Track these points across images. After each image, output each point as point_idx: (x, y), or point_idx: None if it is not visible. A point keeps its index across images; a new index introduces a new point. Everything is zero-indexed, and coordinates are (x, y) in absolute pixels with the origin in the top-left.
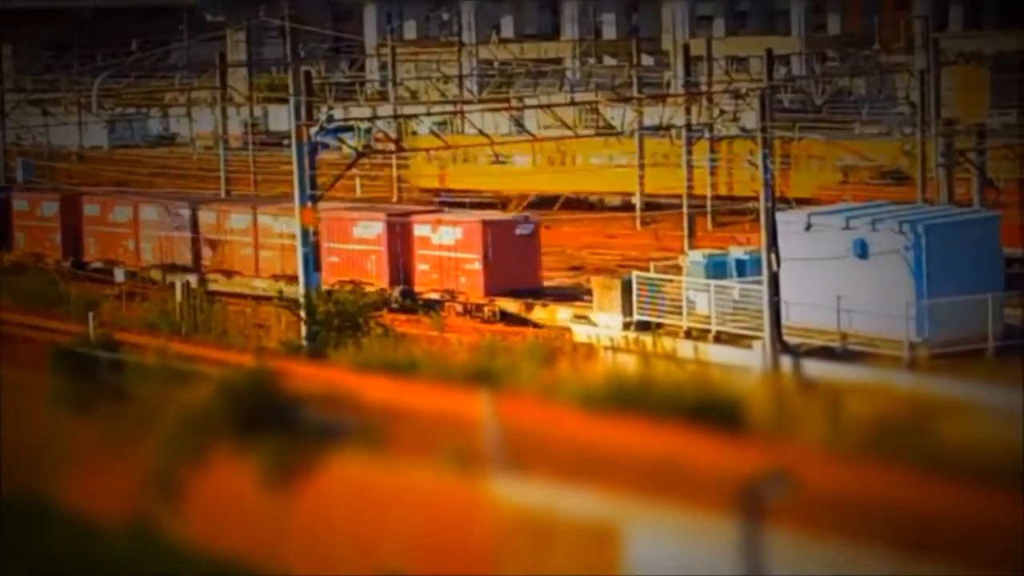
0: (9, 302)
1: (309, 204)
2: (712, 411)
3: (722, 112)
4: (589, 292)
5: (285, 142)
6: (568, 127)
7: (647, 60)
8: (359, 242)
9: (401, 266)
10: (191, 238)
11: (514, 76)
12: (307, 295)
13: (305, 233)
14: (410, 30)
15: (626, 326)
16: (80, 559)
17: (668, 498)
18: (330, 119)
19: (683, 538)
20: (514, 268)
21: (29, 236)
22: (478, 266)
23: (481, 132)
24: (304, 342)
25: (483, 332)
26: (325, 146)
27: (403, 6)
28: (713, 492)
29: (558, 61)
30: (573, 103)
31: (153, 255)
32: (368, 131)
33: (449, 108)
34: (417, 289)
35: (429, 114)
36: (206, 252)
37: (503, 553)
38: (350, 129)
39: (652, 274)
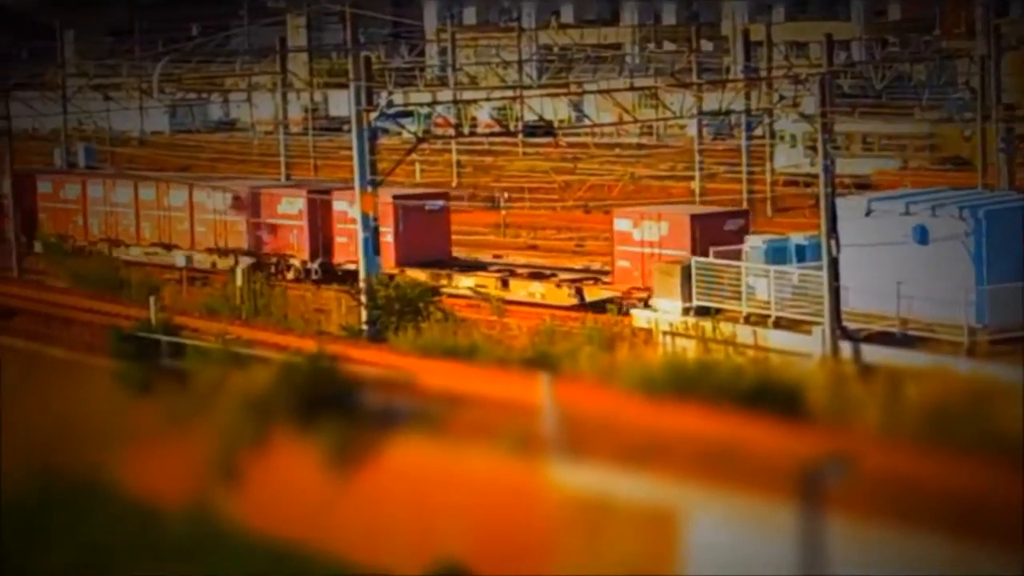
0: (70, 285)
1: (369, 190)
2: (771, 396)
3: (782, 98)
4: (494, 264)
5: (345, 127)
6: (627, 112)
7: (707, 46)
8: (284, 217)
9: (321, 239)
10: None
11: (574, 62)
12: (367, 279)
13: (365, 218)
14: (470, 16)
15: (686, 311)
16: (139, 541)
17: (727, 483)
18: (390, 104)
19: (742, 523)
20: (424, 241)
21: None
22: (390, 239)
23: (540, 117)
24: (364, 327)
25: (543, 317)
26: (385, 131)
27: None
28: (772, 477)
29: (618, 47)
30: (632, 88)
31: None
32: (428, 116)
33: (508, 93)
34: (336, 261)
35: (488, 99)
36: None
37: (561, 537)
38: (410, 114)
39: (712, 259)
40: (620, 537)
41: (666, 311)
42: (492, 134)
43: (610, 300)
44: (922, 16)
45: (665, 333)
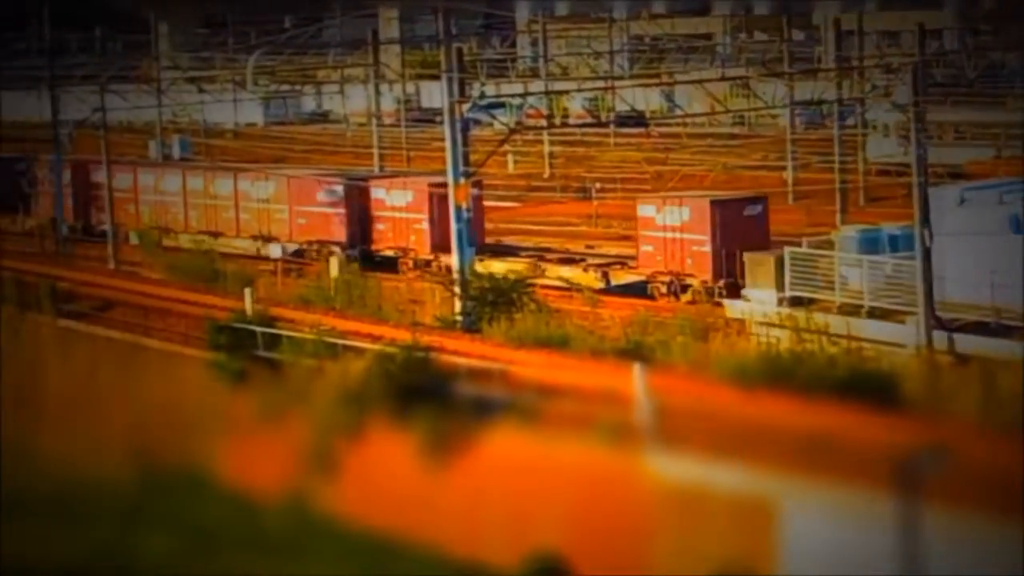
0: (166, 277)
1: (462, 181)
2: (866, 387)
3: (874, 87)
4: (528, 249)
5: (437, 119)
6: (719, 102)
7: (798, 35)
8: (322, 204)
9: (359, 226)
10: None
11: (665, 52)
12: (461, 270)
13: (459, 209)
14: (561, 6)
15: (779, 301)
16: (237, 529)
17: (823, 473)
18: (482, 96)
19: (838, 513)
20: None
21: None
22: (425, 226)
23: (632, 107)
24: (458, 317)
25: (637, 307)
26: (477, 122)
27: None
28: (868, 467)
29: (709, 36)
30: (724, 79)
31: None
32: (520, 107)
33: (600, 84)
34: (374, 247)
35: (580, 90)
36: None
37: (657, 526)
38: (502, 105)
39: (805, 249)
40: (716, 527)
41: (759, 301)
42: (584, 124)
43: (636, 283)
44: (1015, 4)
45: (758, 323)
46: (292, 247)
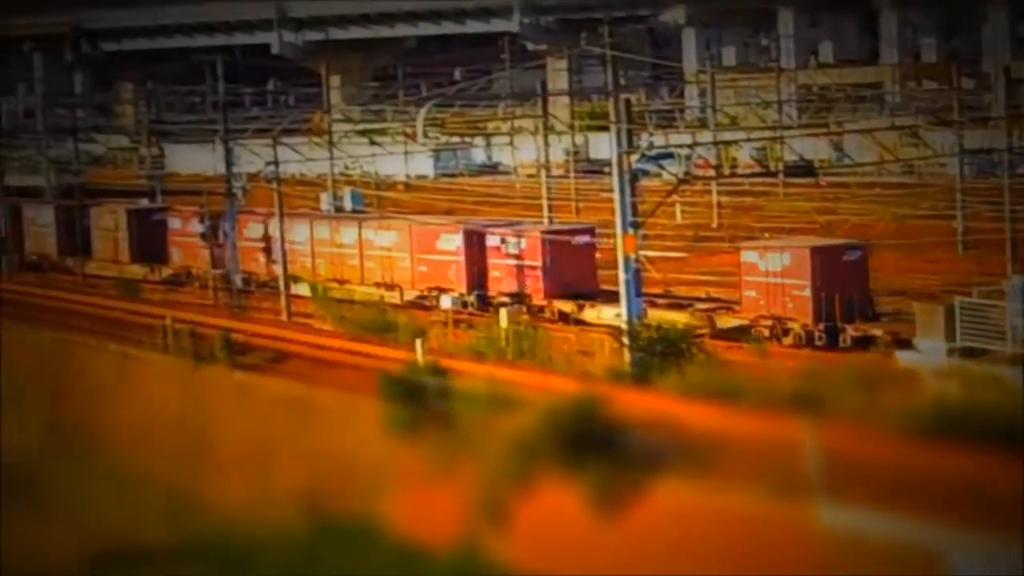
0: (337, 328)
1: (631, 231)
2: None
3: None
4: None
5: (606, 169)
6: (888, 151)
7: (967, 83)
8: (442, 253)
9: (476, 273)
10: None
11: (833, 101)
12: (630, 321)
13: (627, 259)
14: (729, 56)
15: (949, 352)
16: None
17: (993, 525)
18: (651, 146)
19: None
20: (571, 274)
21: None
22: (539, 273)
23: (801, 157)
24: (628, 368)
25: (803, 359)
26: (645, 173)
27: (722, 32)
28: None
29: (877, 85)
30: (893, 127)
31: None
32: (688, 158)
33: (768, 134)
34: (490, 293)
35: (749, 140)
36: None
37: None
38: (670, 156)
39: (975, 299)
40: None
41: (929, 351)
42: (753, 174)
43: (739, 327)
44: None
45: (928, 374)
46: (413, 294)
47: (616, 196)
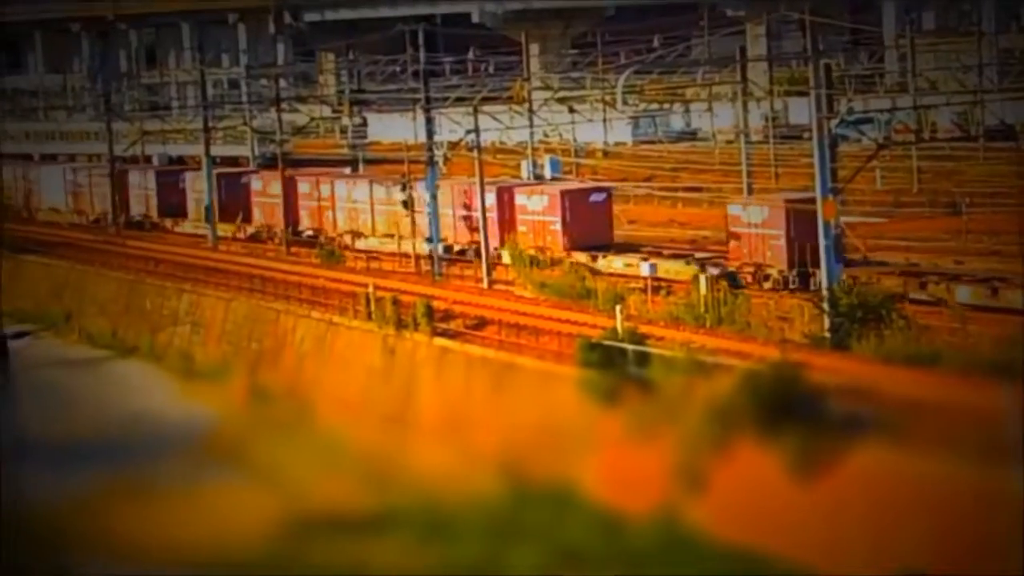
0: (537, 295)
1: (830, 196)
2: None
3: None
4: (647, 245)
5: (805, 135)
6: None
7: None
8: (476, 209)
9: (506, 229)
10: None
11: None
12: (830, 287)
13: (827, 225)
14: (929, 20)
15: None
16: (607, 546)
17: None
18: (850, 111)
19: None
20: (588, 228)
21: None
22: (558, 227)
23: (1002, 121)
24: (827, 334)
25: (1007, 324)
26: (845, 138)
27: None
28: None
29: None
30: None
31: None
32: (888, 123)
33: (969, 98)
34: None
35: (948, 104)
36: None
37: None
38: (870, 121)
39: None
40: None
41: None
42: (953, 139)
43: (724, 273)
44: None
45: None
46: (457, 247)
47: (816, 162)
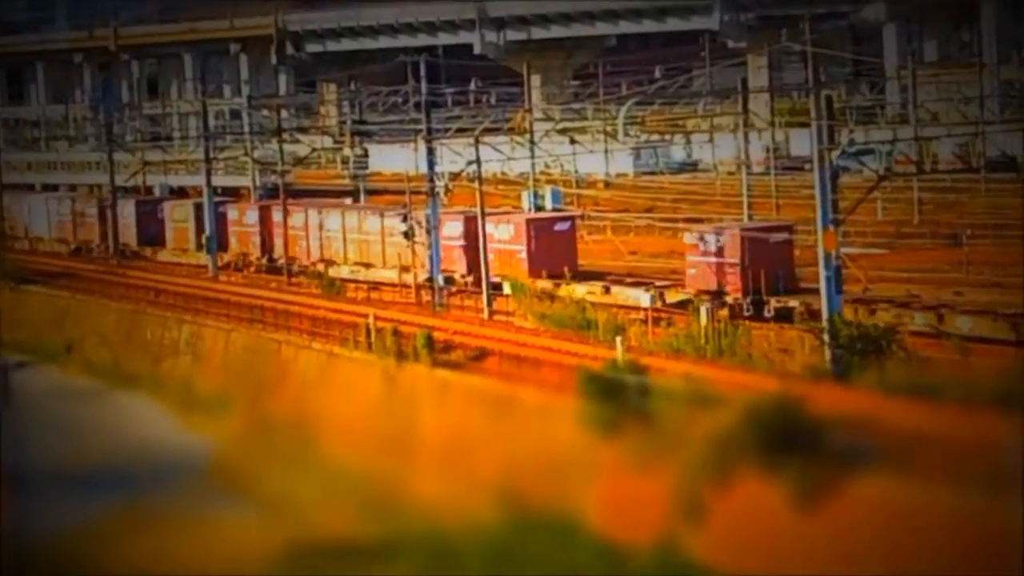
0: (537, 325)
1: (831, 228)
2: None
3: None
4: (611, 275)
5: (806, 166)
6: None
7: None
8: (448, 238)
9: (472, 256)
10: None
11: None
12: (831, 319)
13: (827, 256)
14: (930, 51)
15: None
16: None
17: None
18: (851, 143)
19: None
20: (552, 255)
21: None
22: (523, 255)
23: (1004, 153)
24: (828, 366)
25: (1007, 356)
26: (846, 169)
27: (923, 27)
28: None
29: None
30: None
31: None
32: (889, 154)
33: (970, 130)
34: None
35: (950, 135)
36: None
37: None
38: (871, 152)
39: None
40: None
41: None
42: (954, 171)
43: (683, 301)
44: None
45: None
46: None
47: (817, 193)
